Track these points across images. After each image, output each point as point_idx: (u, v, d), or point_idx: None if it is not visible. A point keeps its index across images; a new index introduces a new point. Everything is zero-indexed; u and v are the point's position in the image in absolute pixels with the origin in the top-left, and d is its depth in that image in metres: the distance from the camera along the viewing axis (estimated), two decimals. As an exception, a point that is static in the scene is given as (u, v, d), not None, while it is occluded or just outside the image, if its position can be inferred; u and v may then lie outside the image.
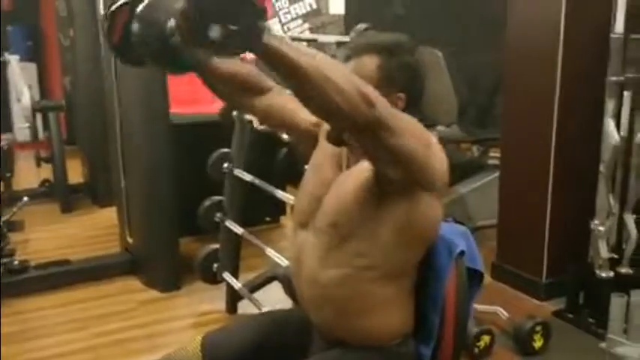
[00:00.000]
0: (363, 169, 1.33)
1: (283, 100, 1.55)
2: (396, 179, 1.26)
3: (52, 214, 4.72)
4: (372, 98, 1.13)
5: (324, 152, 1.49)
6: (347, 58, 1.41)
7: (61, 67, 7.03)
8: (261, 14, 1.02)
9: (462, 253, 1.42)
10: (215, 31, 0.97)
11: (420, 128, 1.27)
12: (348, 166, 1.42)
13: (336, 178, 1.42)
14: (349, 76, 1.13)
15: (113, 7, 1.27)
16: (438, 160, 1.29)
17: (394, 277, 1.38)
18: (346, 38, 2.31)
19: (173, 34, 1.03)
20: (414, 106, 1.41)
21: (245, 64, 1.57)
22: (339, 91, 1.09)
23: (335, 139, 1.31)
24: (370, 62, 1.37)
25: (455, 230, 1.48)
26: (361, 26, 2.28)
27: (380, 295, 1.38)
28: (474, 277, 1.48)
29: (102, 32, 1.54)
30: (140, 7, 1.13)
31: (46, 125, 5.37)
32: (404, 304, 1.42)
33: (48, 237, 4.21)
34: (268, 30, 1.02)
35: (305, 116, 1.51)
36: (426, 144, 1.26)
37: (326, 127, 1.42)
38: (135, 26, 1.14)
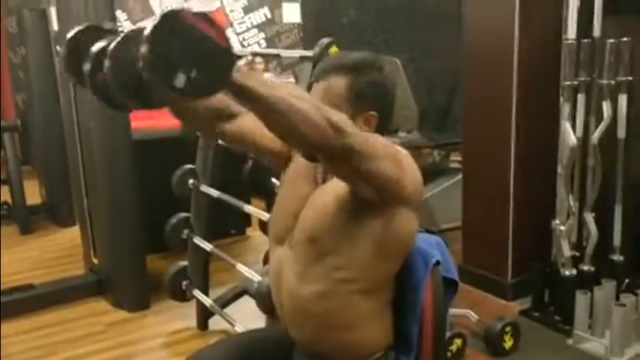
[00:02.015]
0: (339, 183, 1.34)
1: (252, 122, 1.54)
2: (371, 198, 1.29)
3: (11, 236, 4.60)
4: (340, 126, 1.14)
5: (297, 167, 1.50)
6: (316, 79, 1.43)
7: (12, 84, 6.89)
8: (227, 55, 1.00)
9: (438, 263, 1.45)
10: (180, 81, 0.95)
11: (389, 147, 1.28)
12: (324, 180, 1.43)
13: (312, 193, 1.43)
14: (316, 105, 1.13)
15: (95, 49, 1.21)
16: (410, 174, 1.31)
17: (373, 290, 1.40)
18: (309, 53, 2.32)
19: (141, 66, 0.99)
20: (386, 122, 1.44)
21: None
22: (306, 121, 1.10)
23: (308, 156, 1.32)
24: (339, 83, 1.39)
25: (429, 240, 1.50)
26: (324, 41, 2.29)
27: (360, 308, 1.39)
28: (448, 285, 1.52)
29: (62, 70, 1.45)
30: (112, 44, 1.09)
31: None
32: (383, 316, 1.44)
33: (9, 260, 4.08)
34: (235, 69, 1.01)
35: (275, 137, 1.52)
36: (397, 161, 1.27)
37: None
38: (107, 63, 1.09)
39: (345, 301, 1.38)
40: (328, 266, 1.36)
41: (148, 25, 0.98)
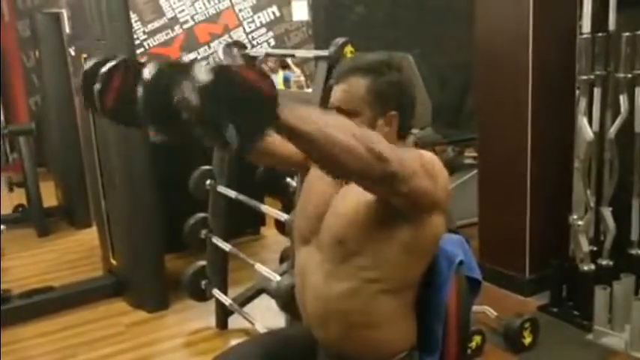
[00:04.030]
0: None
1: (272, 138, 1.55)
2: (405, 210, 1.30)
3: (28, 239, 4.65)
4: (384, 155, 1.13)
5: (318, 170, 1.51)
6: (335, 82, 1.44)
7: (26, 87, 6.95)
8: (273, 102, 1.00)
9: (461, 262, 1.46)
10: (230, 134, 0.95)
11: (421, 160, 1.27)
12: (347, 181, 1.44)
13: (336, 194, 1.44)
14: (358, 134, 1.12)
15: (105, 69, 1.22)
16: (441, 180, 1.30)
17: (399, 290, 1.40)
18: (325, 52, 2.32)
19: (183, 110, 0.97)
20: (407, 121, 1.45)
21: None
22: (350, 153, 1.09)
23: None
24: (359, 85, 1.40)
25: (452, 240, 1.51)
26: (339, 40, 2.29)
27: (385, 307, 1.40)
28: (471, 284, 1.53)
29: (78, 90, 1.41)
30: (147, 73, 1.04)
31: (13, 147, 5.29)
32: (408, 316, 1.45)
33: (27, 263, 4.14)
34: (280, 109, 1.01)
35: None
36: (430, 174, 1.27)
37: None
38: (139, 95, 1.04)
39: (371, 300, 1.39)
40: (355, 266, 1.37)
41: (190, 66, 0.96)
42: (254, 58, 2.86)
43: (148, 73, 1.04)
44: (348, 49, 2.30)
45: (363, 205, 1.35)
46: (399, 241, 1.34)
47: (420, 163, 1.26)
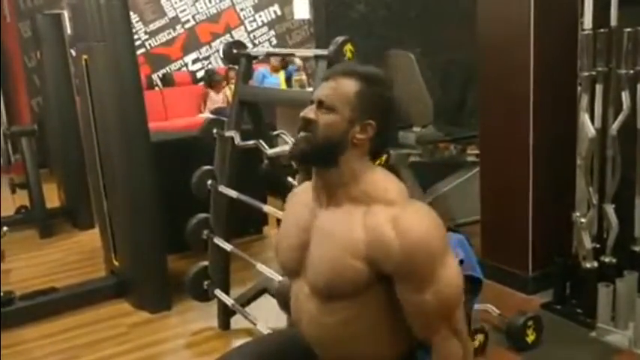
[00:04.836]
0: (356, 229, 1.32)
1: None
2: None
3: (31, 240, 4.65)
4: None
5: (297, 199, 1.53)
6: (326, 78, 1.43)
7: (28, 88, 6.95)
8: None
9: (461, 262, 1.45)
10: None
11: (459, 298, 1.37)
12: (327, 205, 1.40)
13: (316, 221, 1.41)
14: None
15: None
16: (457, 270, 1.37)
17: (399, 306, 1.36)
18: (324, 52, 2.31)
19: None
20: (382, 137, 1.41)
21: None
22: None
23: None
24: (349, 86, 1.38)
25: (452, 239, 1.50)
26: (339, 39, 2.29)
27: (384, 324, 1.39)
28: (472, 283, 1.52)
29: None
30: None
31: (15, 148, 5.28)
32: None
33: (30, 265, 4.14)
34: None
35: None
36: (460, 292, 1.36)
37: None
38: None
39: (371, 322, 1.38)
40: (348, 301, 1.36)
41: None
42: (254, 57, 2.86)
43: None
44: (348, 47, 2.30)
45: (350, 259, 1.32)
46: (389, 291, 1.33)
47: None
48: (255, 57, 2.86)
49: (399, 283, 1.31)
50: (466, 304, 1.50)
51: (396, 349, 1.43)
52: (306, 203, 1.46)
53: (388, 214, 1.30)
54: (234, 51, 2.82)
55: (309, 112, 1.37)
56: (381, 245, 1.28)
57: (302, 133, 1.37)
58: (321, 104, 1.38)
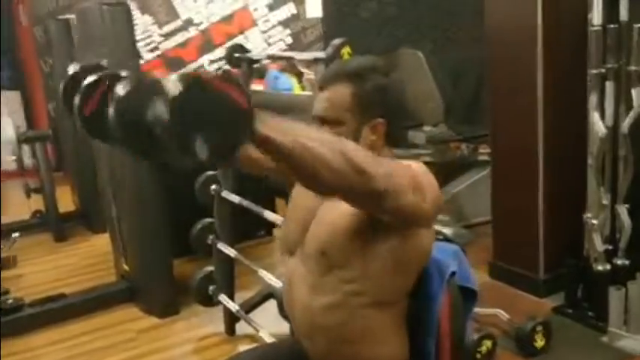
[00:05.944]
0: None
1: None
2: (393, 224, 1.26)
3: (45, 244, 4.68)
4: (364, 168, 1.08)
5: None
6: (319, 88, 1.40)
7: (45, 93, 7.01)
8: (248, 115, 0.96)
9: (453, 274, 1.41)
10: (201, 148, 0.92)
11: (412, 173, 1.22)
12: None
13: (322, 204, 1.39)
14: (341, 150, 1.07)
15: (87, 81, 1.21)
16: (430, 192, 1.24)
17: (387, 304, 1.36)
18: (322, 54, 2.28)
19: (155, 127, 0.93)
20: (396, 127, 1.39)
21: None
22: (332, 169, 1.05)
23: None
24: (343, 92, 1.35)
25: (445, 249, 1.46)
26: (336, 41, 2.25)
27: (373, 321, 1.36)
28: (467, 294, 1.48)
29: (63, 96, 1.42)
30: (120, 90, 1.00)
31: (34, 153, 5.32)
32: (399, 331, 1.41)
33: (43, 269, 4.17)
34: (257, 120, 0.97)
35: None
36: (418, 188, 1.21)
37: None
38: (111, 111, 1.00)
39: (356, 313, 1.35)
40: (339, 278, 1.34)
41: (163, 80, 0.93)
42: (255, 61, 2.83)
43: (121, 88, 1.01)
44: (346, 50, 2.26)
45: (349, 215, 1.30)
46: (386, 253, 1.29)
47: (412, 178, 1.21)
48: (257, 61, 2.83)
49: None
50: (462, 316, 1.47)
51: (385, 357, 1.40)
52: None
53: None
54: (235, 55, 2.80)
55: None
56: None
57: None
58: (324, 121, 1.36)
